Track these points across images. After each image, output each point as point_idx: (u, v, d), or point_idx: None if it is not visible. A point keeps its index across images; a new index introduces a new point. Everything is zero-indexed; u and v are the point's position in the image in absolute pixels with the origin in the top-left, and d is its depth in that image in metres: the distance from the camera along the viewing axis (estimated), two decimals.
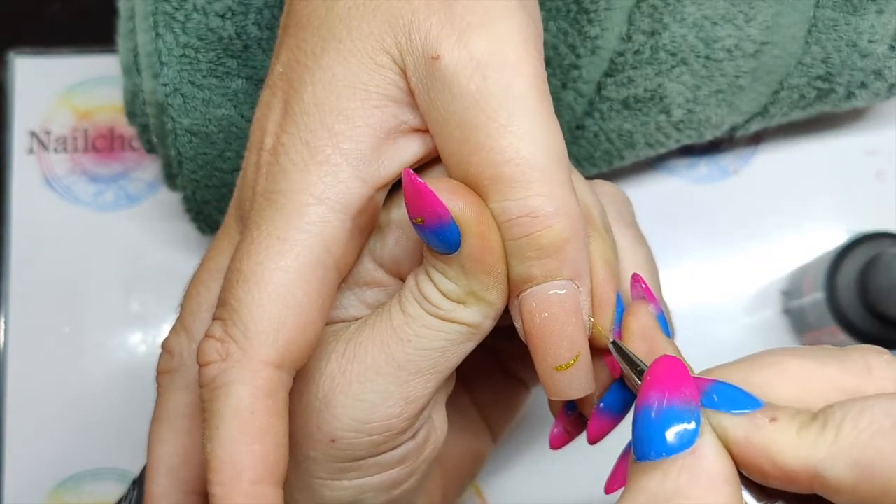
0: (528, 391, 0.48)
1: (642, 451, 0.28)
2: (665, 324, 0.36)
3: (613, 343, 0.34)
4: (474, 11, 0.33)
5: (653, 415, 0.28)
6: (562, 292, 0.33)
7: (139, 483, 0.38)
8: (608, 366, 0.36)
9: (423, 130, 0.34)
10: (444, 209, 0.31)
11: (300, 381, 0.35)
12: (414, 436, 0.36)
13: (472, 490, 0.56)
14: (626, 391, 0.37)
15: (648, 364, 0.31)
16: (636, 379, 0.33)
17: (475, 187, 0.32)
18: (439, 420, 0.38)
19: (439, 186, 0.31)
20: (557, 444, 0.40)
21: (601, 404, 0.37)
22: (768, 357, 0.30)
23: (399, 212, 0.36)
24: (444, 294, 0.33)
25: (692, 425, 0.28)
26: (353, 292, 0.36)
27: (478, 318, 0.34)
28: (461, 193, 0.32)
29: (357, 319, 0.36)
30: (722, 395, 0.29)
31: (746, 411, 0.28)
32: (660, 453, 0.28)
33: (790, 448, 0.27)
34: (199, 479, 0.36)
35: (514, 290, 0.33)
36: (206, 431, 0.32)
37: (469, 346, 0.35)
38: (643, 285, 0.37)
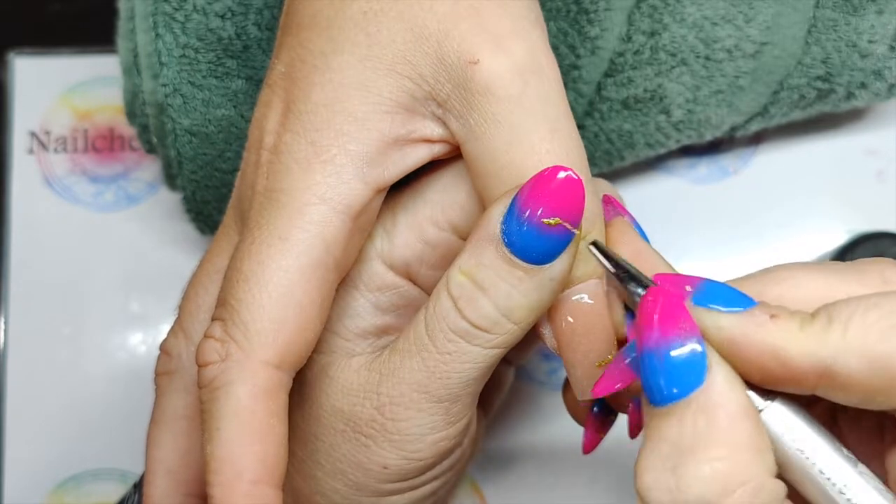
0: (511, 367, 0.49)
1: (653, 397, 0.28)
2: (643, 233, 0.36)
3: (594, 243, 0.33)
4: (504, 19, 0.33)
5: (656, 358, 0.28)
6: (596, 291, 0.34)
7: (140, 486, 0.38)
8: None
9: (430, 140, 0.35)
10: (582, 213, 0.31)
11: (327, 415, 0.35)
12: (460, 444, 0.37)
13: (471, 490, 0.56)
14: None
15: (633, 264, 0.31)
16: (621, 285, 0.32)
17: None
18: (472, 424, 0.38)
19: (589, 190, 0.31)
20: (591, 447, 0.39)
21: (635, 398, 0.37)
22: (780, 272, 0.29)
23: (406, 215, 0.36)
24: (503, 311, 0.33)
25: (698, 358, 0.27)
26: (367, 298, 0.36)
27: (514, 337, 0.34)
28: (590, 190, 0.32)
29: (374, 330, 0.37)
30: (715, 294, 0.28)
31: (741, 309, 0.28)
32: (671, 396, 0.27)
33: (796, 344, 0.26)
34: (198, 481, 0.36)
35: None
36: (206, 432, 0.32)
37: (498, 361, 0.35)
38: (616, 204, 0.37)
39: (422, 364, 0.34)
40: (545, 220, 0.31)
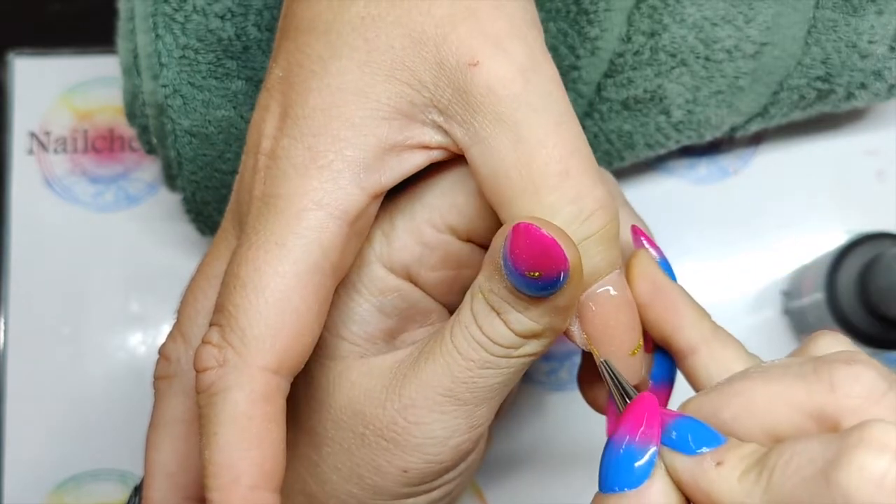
0: None
1: (601, 483, 0.30)
2: (669, 269, 0.37)
3: (605, 362, 0.34)
4: (501, 20, 0.33)
5: (614, 450, 0.30)
6: (619, 280, 0.34)
7: (140, 489, 0.38)
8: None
9: (428, 147, 0.35)
10: (566, 262, 0.31)
11: (344, 416, 0.36)
12: (476, 447, 0.37)
13: (472, 490, 0.56)
14: (668, 358, 0.37)
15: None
16: (620, 402, 0.33)
17: (541, 189, 0.32)
18: None
19: (559, 236, 0.31)
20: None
21: (652, 380, 0.38)
22: (738, 385, 0.30)
23: (403, 218, 0.36)
24: (518, 333, 0.33)
25: (644, 464, 0.29)
26: (370, 303, 0.36)
27: (543, 346, 0.34)
28: (570, 238, 0.31)
29: (382, 334, 0.37)
30: (685, 431, 0.29)
31: (705, 450, 0.29)
32: (612, 488, 0.29)
33: (729, 494, 0.28)
34: (197, 485, 0.36)
35: None
36: (204, 437, 0.32)
37: (527, 367, 0.35)
38: (643, 236, 0.38)
39: (447, 369, 0.34)
40: (528, 273, 0.31)
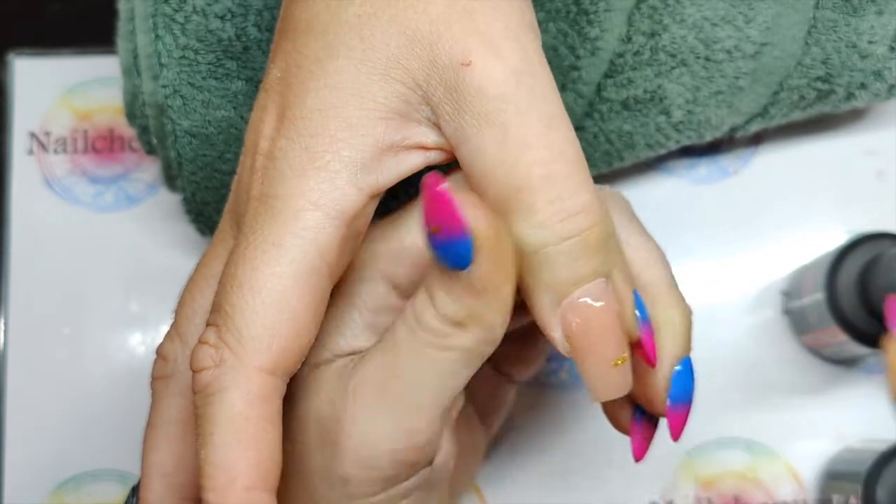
0: (514, 384, 0.50)
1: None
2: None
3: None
4: (497, 21, 0.33)
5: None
6: (606, 289, 0.33)
7: (137, 490, 0.39)
8: (643, 358, 0.36)
9: (425, 147, 0.34)
10: (462, 221, 0.30)
11: (310, 423, 0.35)
12: (430, 462, 0.36)
13: (471, 490, 0.56)
14: (686, 377, 0.37)
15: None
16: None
17: (522, 189, 0.32)
18: (447, 443, 0.38)
19: (463, 198, 0.30)
20: (642, 454, 0.39)
21: (670, 399, 0.37)
22: None
23: (410, 236, 0.36)
24: (443, 317, 0.32)
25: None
26: (364, 318, 0.36)
27: (473, 342, 0.33)
28: (481, 207, 0.31)
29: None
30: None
31: None
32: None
33: None
34: (194, 486, 0.36)
35: (558, 299, 0.33)
36: (200, 438, 0.32)
37: (466, 374, 0.34)
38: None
39: (380, 354, 0.34)
40: (432, 230, 0.30)
